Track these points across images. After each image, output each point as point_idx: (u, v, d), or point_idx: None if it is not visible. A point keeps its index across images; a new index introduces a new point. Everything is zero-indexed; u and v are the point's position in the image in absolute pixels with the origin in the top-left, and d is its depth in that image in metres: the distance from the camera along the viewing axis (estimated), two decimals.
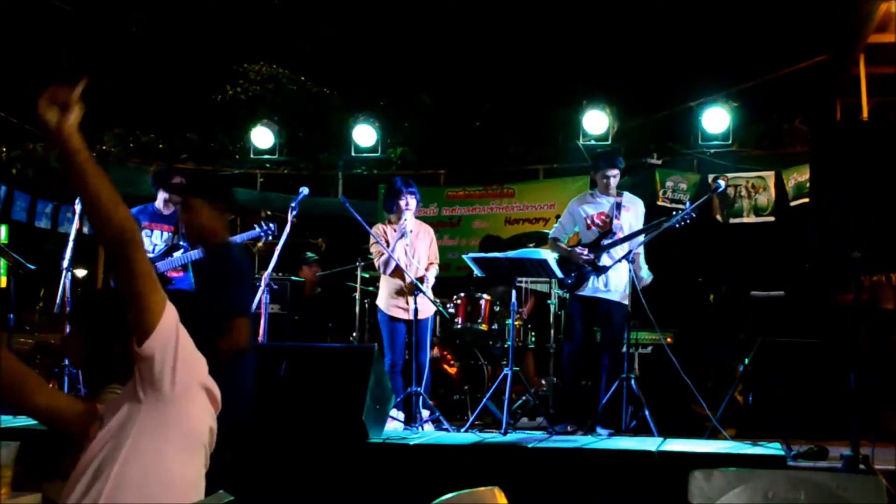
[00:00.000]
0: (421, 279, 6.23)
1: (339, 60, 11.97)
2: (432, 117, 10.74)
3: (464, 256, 6.45)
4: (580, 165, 8.91)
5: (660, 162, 8.86)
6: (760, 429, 5.63)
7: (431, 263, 6.49)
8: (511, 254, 6.11)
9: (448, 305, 7.26)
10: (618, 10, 10.57)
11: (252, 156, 9.88)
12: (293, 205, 6.21)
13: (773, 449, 5.08)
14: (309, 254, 9.15)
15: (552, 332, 7.31)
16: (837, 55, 8.48)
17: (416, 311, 6.12)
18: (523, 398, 6.84)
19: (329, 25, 11.91)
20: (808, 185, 7.77)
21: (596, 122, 8.77)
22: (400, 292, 6.34)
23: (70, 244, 6.33)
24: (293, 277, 7.83)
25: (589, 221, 6.35)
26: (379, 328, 6.51)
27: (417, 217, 6.56)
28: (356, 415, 4.99)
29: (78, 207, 6.46)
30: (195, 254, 6.58)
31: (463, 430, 5.88)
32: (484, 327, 7.19)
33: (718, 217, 8.56)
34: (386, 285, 6.44)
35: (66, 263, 6.26)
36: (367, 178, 9.93)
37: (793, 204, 8.25)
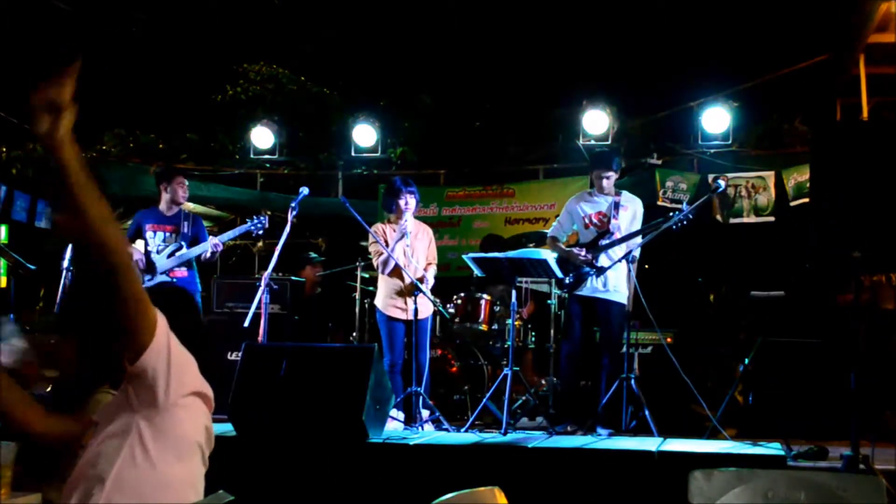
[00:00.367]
0: (421, 279, 6.23)
1: (339, 60, 11.97)
2: (432, 117, 10.73)
3: (464, 256, 6.45)
4: (580, 165, 8.91)
5: (660, 162, 8.86)
6: (760, 429, 5.63)
7: (430, 264, 6.49)
8: (511, 254, 6.11)
9: (448, 305, 7.26)
10: (618, 11, 10.58)
11: (252, 156, 9.89)
12: (293, 205, 6.23)
13: (773, 449, 5.08)
14: (312, 254, 9.16)
15: (552, 332, 7.31)
16: (837, 55, 8.49)
17: (415, 311, 6.12)
18: (523, 398, 6.85)
19: (329, 25, 11.91)
20: (808, 185, 7.77)
21: (596, 122, 8.78)
22: (399, 292, 6.34)
23: (70, 244, 6.33)
24: (293, 277, 7.83)
25: (587, 220, 6.35)
26: (378, 328, 6.52)
27: (417, 217, 6.56)
28: (356, 415, 4.99)
29: None
30: (196, 251, 6.70)
31: (463, 430, 5.88)
32: (484, 327, 7.19)
33: (718, 217, 8.55)
34: (384, 285, 6.44)
35: (66, 263, 6.28)
36: (367, 178, 9.93)
37: (793, 204, 8.25)
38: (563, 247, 6.39)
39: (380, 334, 6.45)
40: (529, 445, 5.09)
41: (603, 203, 6.32)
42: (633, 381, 5.83)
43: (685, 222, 5.96)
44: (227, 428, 5.30)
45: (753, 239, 8.79)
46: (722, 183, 6.45)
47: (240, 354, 5.53)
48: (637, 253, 6.14)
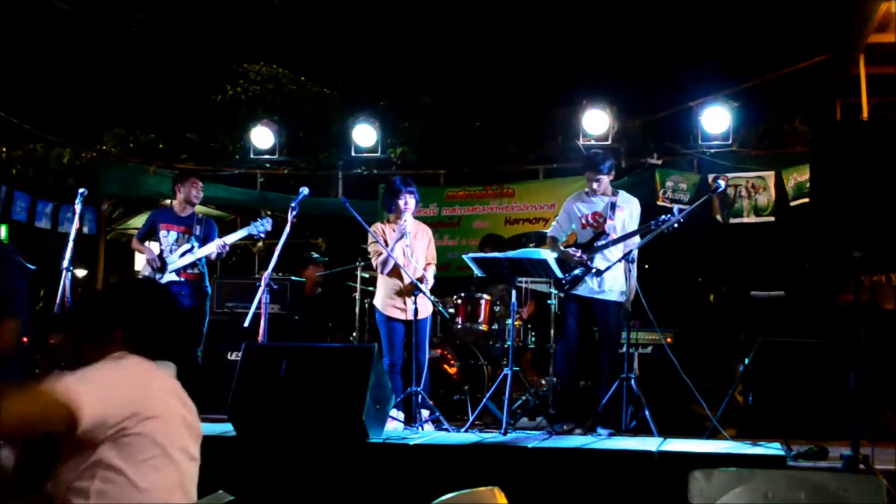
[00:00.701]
0: (420, 279, 6.23)
1: (339, 60, 11.98)
2: (432, 117, 10.73)
3: (464, 256, 6.44)
4: (580, 165, 8.90)
5: (660, 162, 8.85)
6: (760, 429, 5.62)
7: (429, 264, 6.49)
8: (511, 254, 6.10)
9: (448, 305, 7.26)
10: (618, 10, 10.58)
11: (252, 156, 9.88)
12: (293, 205, 6.24)
13: (773, 449, 5.08)
14: (314, 254, 9.16)
15: (552, 332, 7.30)
16: (837, 55, 8.48)
17: (415, 311, 6.12)
18: (523, 398, 6.84)
19: (329, 25, 11.92)
20: (808, 185, 7.76)
21: (596, 122, 8.76)
22: (398, 292, 6.34)
23: (70, 244, 6.35)
24: (293, 277, 7.84)
25: (584, 221, 6.33)
26: (378, 328, 6.52)
27: (417, 217, 6.56)
28: (356, 415, 4.99)
29: (78, 207, 6.53)
30: (203, 251, 6.74)
31: (463, 430, 5.88)
32: (484, 327, 7.19)
33: (718, 217, 8.54)
34: (383, 285, 6.43)
35: (66, 263, 6.28)
36: (367, 177, 9.93)
37: (793, 204, 8.24)
38: (560, 247, 6.39)
39: (379, 334, 6.45)
40: (529, 445, 5.09)
41: (599, 203, 6.32)
42: (633, 381, 5.82)
43: (675, 227, 5.90)
44: (227, 428, 5.31)
45: (753, 239, 8.79)
46: (722, 183, 6.43)
47: (240, 354, 5.54)
48: (636, 253, 6.13)
